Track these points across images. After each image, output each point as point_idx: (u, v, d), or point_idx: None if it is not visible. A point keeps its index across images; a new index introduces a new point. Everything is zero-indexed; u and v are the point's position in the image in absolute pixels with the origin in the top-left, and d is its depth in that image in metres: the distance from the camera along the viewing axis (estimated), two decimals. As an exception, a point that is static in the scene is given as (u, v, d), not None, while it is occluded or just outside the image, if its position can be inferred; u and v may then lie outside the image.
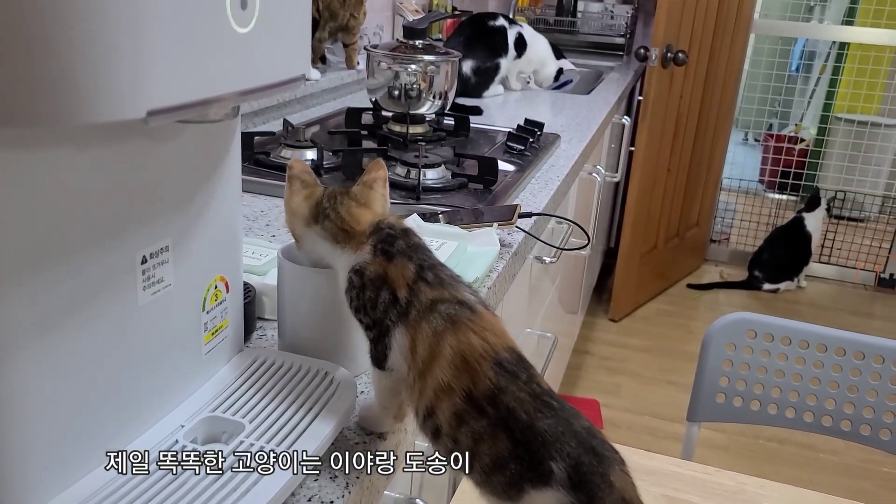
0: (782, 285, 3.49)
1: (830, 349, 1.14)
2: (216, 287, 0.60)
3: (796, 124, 5.12)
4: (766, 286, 3.48)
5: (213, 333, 0.60)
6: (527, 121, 1.56)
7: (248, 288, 0.74)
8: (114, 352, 0.49)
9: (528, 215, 1.03)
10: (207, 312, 0.59)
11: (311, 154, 1.25)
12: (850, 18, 4.08)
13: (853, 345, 1.13)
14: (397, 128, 1.50)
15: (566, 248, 1.12)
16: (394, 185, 1.18)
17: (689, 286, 3.46)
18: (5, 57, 0.34)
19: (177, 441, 0.53)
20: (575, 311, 2.59)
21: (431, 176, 1.20)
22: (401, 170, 1.21)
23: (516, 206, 1.02)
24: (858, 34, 3.55)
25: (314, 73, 1.71)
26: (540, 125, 1.54)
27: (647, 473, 0.79)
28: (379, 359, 0.58)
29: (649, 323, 3.09)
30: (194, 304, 0.57)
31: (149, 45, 0.38)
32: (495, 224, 0.97)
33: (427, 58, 1.43)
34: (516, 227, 1.01)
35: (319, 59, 1.88)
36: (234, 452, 0.52)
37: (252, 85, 0.46)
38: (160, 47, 0.38)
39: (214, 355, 0.61)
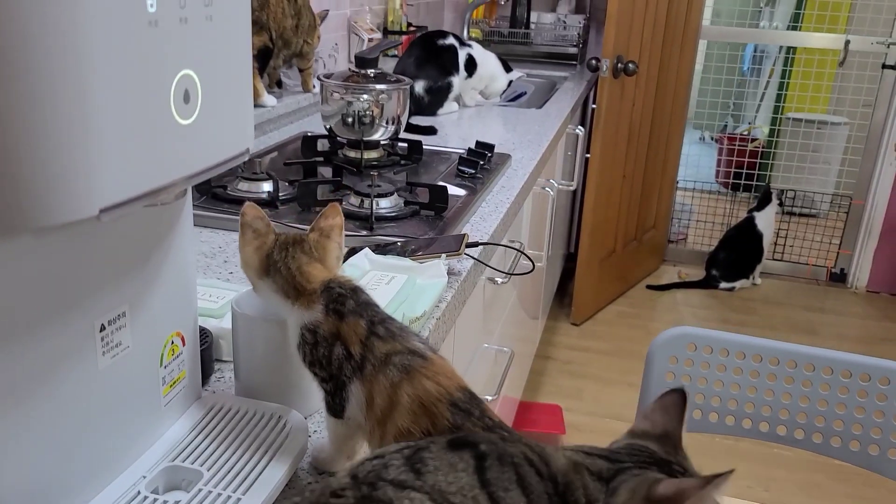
0: (738, 283, 3.60)
1: (765, 359, 1.21)
2: (172, 342, 0.64)
3: (749, 124, 5.27)
4: (723, 285, 3.58)
5: (171, 386, 0.64)
6: (478, 143, 1.61)
7: (204, 333, 0.78)
8: (76, 414, 0.53)
9: (475, 245, 1.08)
10: (165, 367, 0.63)
11: (267, 186, 1.29)
12: (795, 24, 4.21)
13: (787, 354, 1.20)
14: (352, 153, 1.54)
15: (514, 272, 1.17)
16: (348, 216, 1.22)
17: (649, 287, 3.55)
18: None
19: (139, 492, 0.57)
20: (536, 316, 2.65)
21: (384, 205, 1.25)
22: (354, 199, 1.25)
23: (464, 235, 1.07)
24: (804, 38, 3.68)
25: (270, 100, 1.75)
26: (490, 147, 1.59)
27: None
28: (336, 410, 0.62)
29: (610, 325, 3.17)
30: (152, 362, 0.61)
31: (98, 147, 0.42)
32: (443, 255, 1.02)
33: (379, 87, 1.48)
34: (465, 255, 1.06)
35: (276, 83, 1.91)
36: (193, 500, 0.56)
37: (198, 168, 0.50)
38: (109, 148, 0.42)
39: (173, 405, 0.65)
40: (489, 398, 1.41)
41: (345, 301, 0.63)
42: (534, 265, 1.05)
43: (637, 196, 3.32)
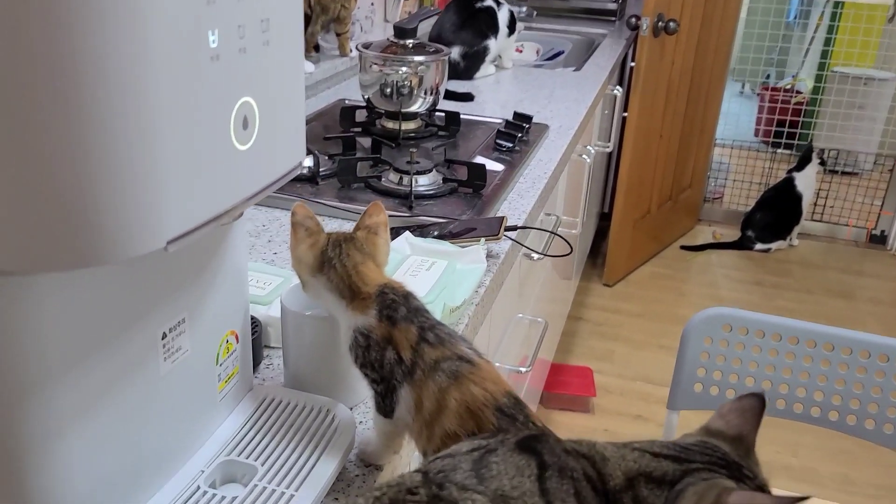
0: (774, 245, 3.56)
1: (802, 341, 1.21)
2: (227, 341, 0.66)
3: (793, 76, 5.12)
4: (759, 246, 3.55)
5: (226, 382, 0.67)
6: (515, 114, 1.60)
7: (254, 323, 0.81)
8: (140, 417, 0.56)
9: (513, 228, 1.09)
10: (220, 365, 0.66)
11: (307, 161, 1.30)
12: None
13: (824, 337, 1.20)
14: (390, 124, 1.54)
15: (550, 254, 1.18)
16: (387, 193, 1.23)
17: (683, 248, 3.53)
18: (48, 217, 0.40)
19: (198, 487, 0.60)
20: (569, 277, 2.66)
21: (423, 182, 1.26)
22: (394, 176, 1.27)
23: (502, 219, 1.08)
24: (853, -9, 3.54)
25: (308, 66, 1.75)
26: (528, 118, 1.58)
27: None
28: (386, 411, 0.65)
29: (642, 287, 3.17)
30: (209, 361, 0.64)
31: (163, 183, 0.43)
32: (482, 240, 1.03)
33: (417, 58, 1.47)
34: (504, 237, 1.07)
35: (313, 48, 1.91)
36: (249, 496, 0.59)
37: (256, 189, 0.52)
38: (173, 183, 0.44)
39: (227, 399, 0.68)
40: (522, 370, 1.44)
41: (397, 308, 0.64)
42: (571, 248, 1.06)
43: (674, 155, 3.27)
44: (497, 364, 1.37)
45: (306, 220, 0.69)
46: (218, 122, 0.47)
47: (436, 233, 1.08)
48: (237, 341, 0.68)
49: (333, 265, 0.66)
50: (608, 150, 2.71)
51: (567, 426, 2.31)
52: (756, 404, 0.54)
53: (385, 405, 0.64)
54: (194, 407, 0.63)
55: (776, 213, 3.54)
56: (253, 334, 0.78)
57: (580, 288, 3.08)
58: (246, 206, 0.51)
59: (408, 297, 0.66)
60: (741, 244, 3.56)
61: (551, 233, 1.14)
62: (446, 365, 0.61)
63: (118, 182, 0.41)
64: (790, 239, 3.61)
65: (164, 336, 0.57)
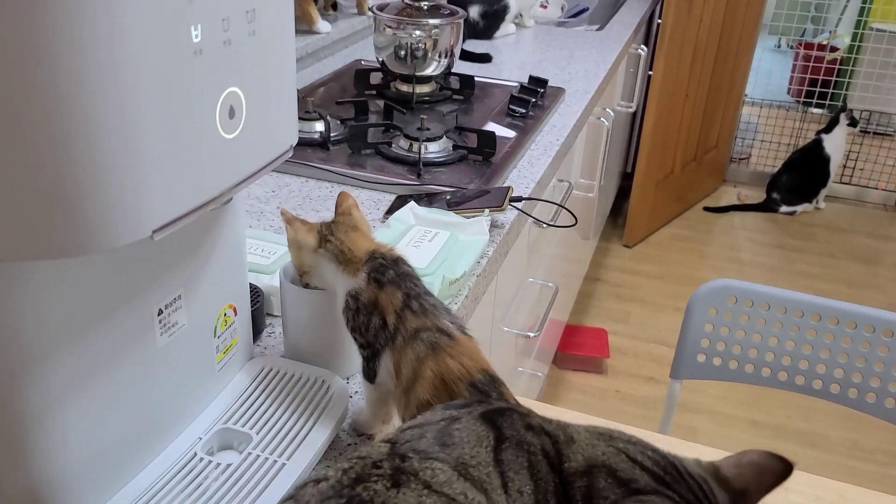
0: (799, 207, 3.51)
1: (807, 314, 1.21)
2: (225, 314, 0.69)
3: (830, 32, 4.97)
4: (784, 209, 3.50)
5: (224, 352, 0.70)
6: (531, 78, 1.59)
7: (256, 292, 0.84)
8: (138, 388, 0.59)
9: (519, 199, 1.09)
10: (218, 337, 0.68)
11: (319, 126, 1.31)
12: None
13: (829, 310, 1.20)
14: (404, 87, 1.54)
15: (555, 224, 1.19)
16: (396, 160, 1.24)
17: (706, 209, 3.49)
18: (30, 208, 0.42)
19: (195, 454, 0.63)
20: (588, 237, 2.66)
21: (433, 149, 1.26)
22: (404, 143, 1.27)
23: (508, 189, 1.08)
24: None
25: (324, 26, 1.74)
26: (544, 82, 1.57)
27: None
28: (370, 375, 0.68)
29: (663, 248, 3.16)
30: (206, 334, 0.66)
31: (146, 174, 0.45)
32: (487, 210, 1.04)
33: (432, 21, 1.46)
34: (510, 207, 1.08)
35: (331, 6, 1.90)
36: (243, 464, 0.63)
37: (243, 176, 0.54)
38: (157, 173, 0.46)
39: (226, 369, 0.71)
40: (531, 335, 1.46)
41: (385, 271, 0.67)
42: (576, 220, 1.06)
43: (699, 115, 3.22)
44: (505, 329, 1.40)
45: (297, 218, 0.72)
46: (202, 113, 0.48)
47: (442, 201, 1.09)
48: (235, 314, 0.71)
49: (328, 238, 0.70)
50: (631, 110, 2.67)
51: (579, 386, 2.34)
52: (780, 469, 0.50)
53: (369, 369, 0.67)
54: (192, 378, 0.66)
55: (803, 176, 3.49)
56: (255, 304, 0.81)
57: (599, 248, 3.08)
58: (234, 192, 0.53)
59: (397, 261, 0.68)
60: (766, 206, 3.52)
61: (557, 205, 1.14)
62: (426, 335, 0.63)
63: (100, 174, 0.43)
64: (816, 202, 3.56)
65: (160, 312, 0.59)
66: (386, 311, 0.65)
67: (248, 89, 0.52)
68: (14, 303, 0.47)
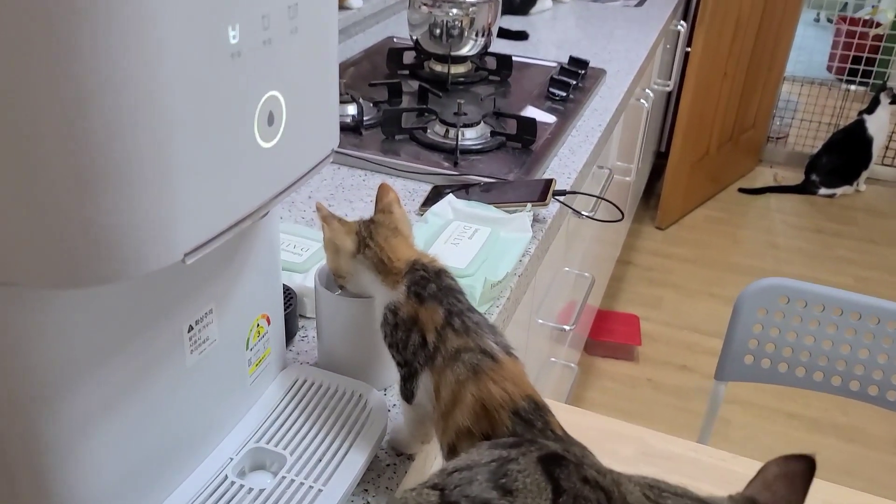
0: (839, 190, 3.40)
1: (864, 316, 1.15)
2: (258, 325, 0.64)
3: (873, 6, 4.79)
4: (822, 191, 3.39)
5: (256, 365, 0.66)
6: (571, 59, 1.52)
7: (288, 294, 0.79)
8: (166, 410, 0.55)
9: (562, 193, 1.04)
10: (251, 349, 0.64)
11: (351, 109, 1.26)
12: None
13: (888, 314, 1.14)
14: (439, 68, 1.48)
15: (598, 219, 1.13)
16: (432, 147, 1.19)
17: (741, 190, 3.39)
18: (59, 234, 0.37)
19: (226, 477, 0.59)
20: (622, 219, 2.59)
21: (470, 135, 1.21)
22: (439, 128, 1.22)
23: (551, 181, 1.03)
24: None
25: (356, 1, 1.68)
26: (584, 64, 1.50)
27: (663, 458, 0.84)
28: (407, 395, 0.63)
29: (696, 231, 3.07)
30: (238, 348, 0.62)
31: (179, 195, 0.40)
32: (529, 205, 0.99)
33: (469, -1, 1.39)
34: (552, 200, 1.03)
35: (362, -20, 1.83)
36: (276, 489, 0.58)
37: (282, 186, 0.49)
38: (190, 194, 0.41)
39: (259, 381, 0.67)
40: (566, 328, 1.41)
41: (426, 284, 0.62)
42: (623, 214, 1.00)
43: (737, 94, 3.11)
44: (540, 322, 1.35)
45: (332, 215, 0.67)
46: (240, 123, 0.43)
47: (480, 191, 1.04)
48: (268, 323, 0.66)
49: (367, 243, 0.65)
50: (668, 88, 2.58)
51: (610, 374, 2.29)
52: (805, 469, 0.49)
53: (406, 389, 0.62)
54: (223, 394, 0.61)
55: (845, 157, 3.37)
56: (287, 307, 0.77)
57: (631, 230, 3.01)
58: (271, 205, 0.48)
59: (440, 273, 0.63)
60: (804, 188, 3.41)
61: (601, 198, 1.08)
62: (467, 357, 0.58)
63: (128, 192, 0.38)
64: (857, 184, 3.45)
65: (191, 329, 0.55)
66: (426, 328, 0.60)
67: (289, 93, 0.47)
68: (37, 328, 0.43)
